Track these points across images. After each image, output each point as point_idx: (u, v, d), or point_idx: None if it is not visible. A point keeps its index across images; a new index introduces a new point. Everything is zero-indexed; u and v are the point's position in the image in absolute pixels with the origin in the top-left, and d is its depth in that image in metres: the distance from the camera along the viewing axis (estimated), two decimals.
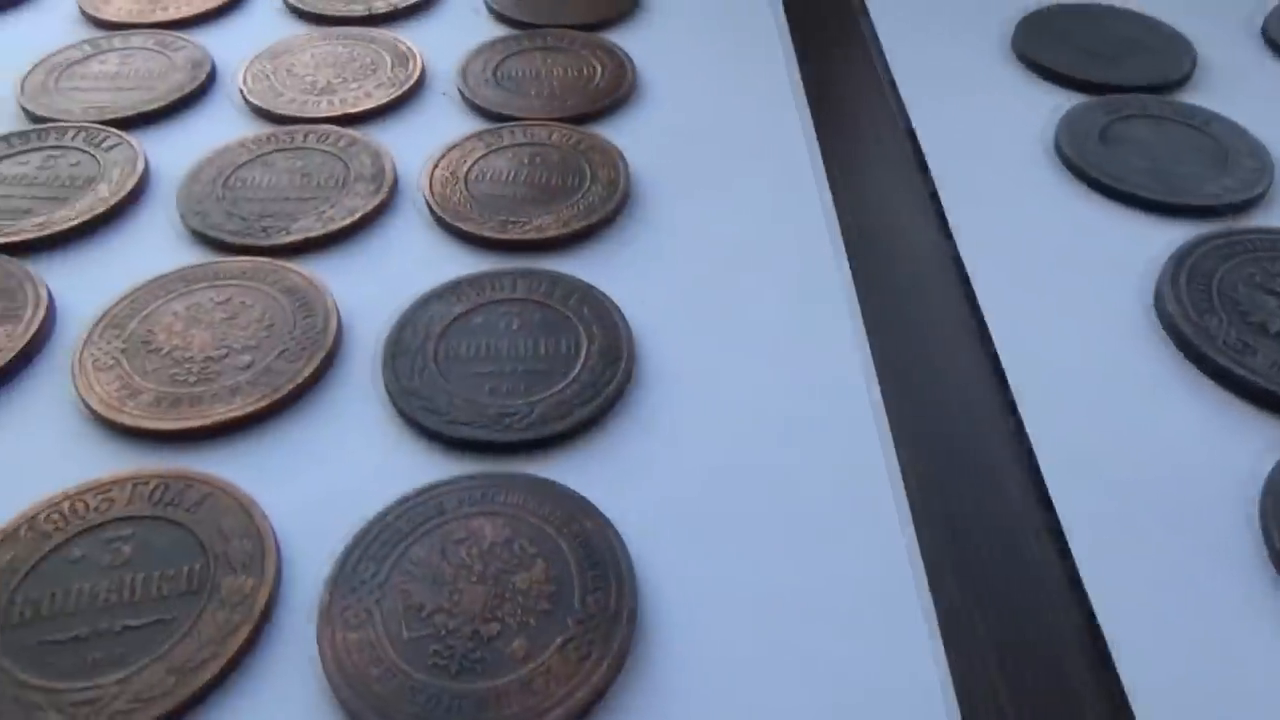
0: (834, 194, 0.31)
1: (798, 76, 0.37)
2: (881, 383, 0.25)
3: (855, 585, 0.21)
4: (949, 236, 0.30)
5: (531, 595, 0.20)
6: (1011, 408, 0.24)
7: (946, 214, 0.30)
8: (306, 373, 0.25)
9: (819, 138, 0.34)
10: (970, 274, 0.28)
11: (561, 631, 0.19)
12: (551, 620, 0.19)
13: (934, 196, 0.31)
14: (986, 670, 0.20)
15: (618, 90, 0.35)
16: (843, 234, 0.29)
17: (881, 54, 0.38)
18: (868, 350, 0.26)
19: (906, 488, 0.23)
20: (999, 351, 0.26)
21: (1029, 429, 0.24)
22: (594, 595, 0.20)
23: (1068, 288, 0.27)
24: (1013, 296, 0.27)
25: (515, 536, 0.21)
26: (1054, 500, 0.22)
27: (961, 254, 0.29)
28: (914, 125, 0.34)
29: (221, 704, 0.19)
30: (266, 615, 0.20)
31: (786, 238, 0.29)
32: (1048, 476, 0.23)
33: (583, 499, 0.21)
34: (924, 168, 0.32)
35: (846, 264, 0.29)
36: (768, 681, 0.19)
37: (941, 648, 0.20)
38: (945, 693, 0.19)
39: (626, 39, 0.38)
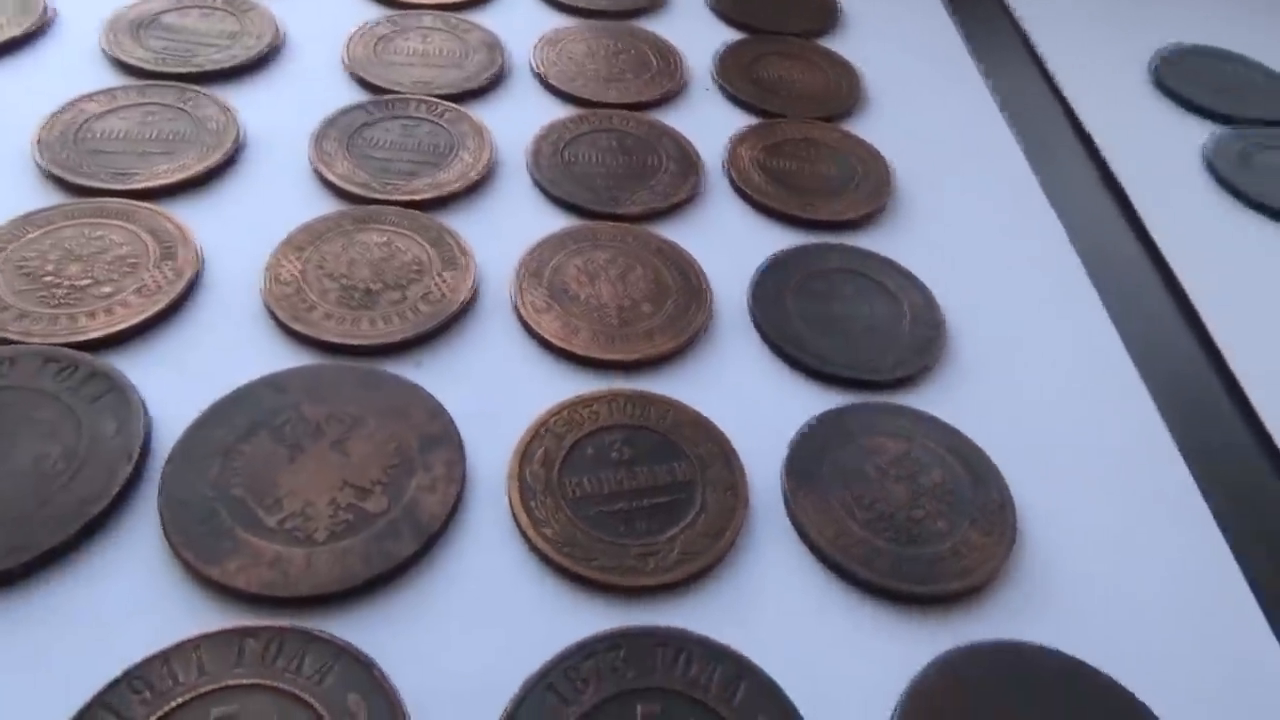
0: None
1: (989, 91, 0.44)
2: None
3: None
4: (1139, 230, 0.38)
5: (937, 492, 0.27)
6: None
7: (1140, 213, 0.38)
8: (699, 320, 0.31)
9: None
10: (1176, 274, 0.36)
11: (968, 516, 0.27)
12: (957, 509, 0.27)
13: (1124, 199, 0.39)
14: None
15: (854, 95, 0.42)
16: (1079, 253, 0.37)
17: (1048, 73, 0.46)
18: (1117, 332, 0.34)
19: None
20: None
21: None
22: (981, 492, 0.27)
23: None
24: None
25: (912, 450, 0.28)
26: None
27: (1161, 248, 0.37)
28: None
29: (735, 560, 0.26)
30: (748, 499, 0.27)
31: (1031, 246, 0.37)
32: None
33: (953, 428, 0.29)
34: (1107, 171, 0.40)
35: (1082, 265, 0.36)
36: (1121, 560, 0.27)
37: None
38: None
39: (840, 48, 0.45)
